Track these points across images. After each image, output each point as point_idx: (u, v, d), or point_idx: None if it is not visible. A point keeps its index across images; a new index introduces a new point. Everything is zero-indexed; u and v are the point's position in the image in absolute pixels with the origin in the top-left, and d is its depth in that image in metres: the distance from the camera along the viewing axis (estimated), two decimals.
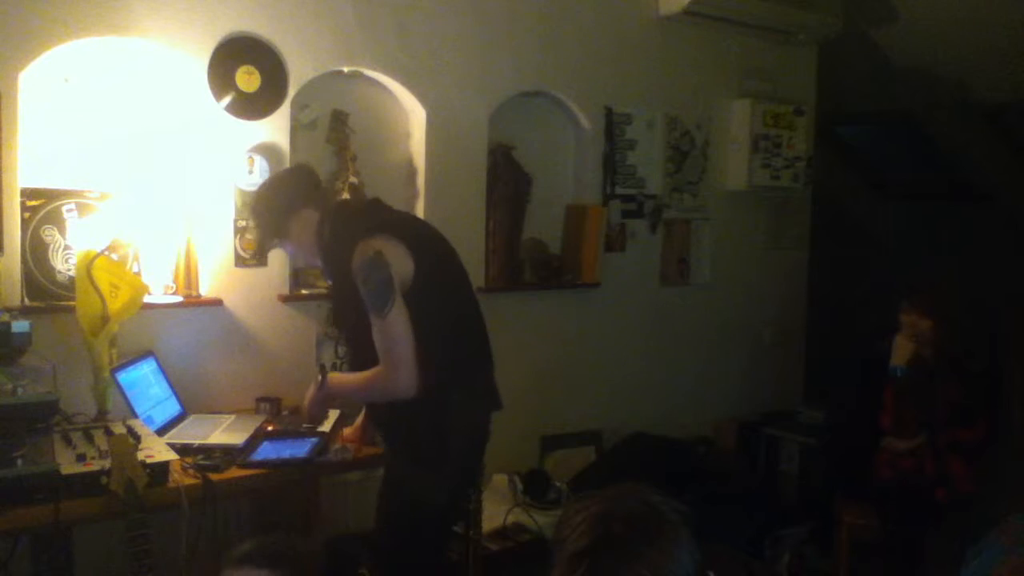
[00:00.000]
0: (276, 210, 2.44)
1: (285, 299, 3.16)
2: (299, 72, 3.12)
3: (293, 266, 3.17)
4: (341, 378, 2.53)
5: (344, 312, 2.49)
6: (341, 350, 3.23)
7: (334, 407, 2.80)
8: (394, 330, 2.24)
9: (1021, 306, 4.54)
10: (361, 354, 2.40)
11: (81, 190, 2.78)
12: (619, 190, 4.01)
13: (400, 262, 2.26)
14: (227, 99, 2.99)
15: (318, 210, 2.42)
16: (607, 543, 1.20)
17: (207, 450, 2.53)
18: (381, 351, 2.27)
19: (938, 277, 4.53)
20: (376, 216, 2.43)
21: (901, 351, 3.34)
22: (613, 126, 3.97)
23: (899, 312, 3.38)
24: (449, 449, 2.35)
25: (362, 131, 3.36)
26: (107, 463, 2.13)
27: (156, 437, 2.46)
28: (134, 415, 2.57)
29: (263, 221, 2.52)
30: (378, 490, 2.49)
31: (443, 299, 2.36)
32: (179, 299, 2.93)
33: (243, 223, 3.05)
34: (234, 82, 2.99)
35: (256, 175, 3.04)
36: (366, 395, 2.48)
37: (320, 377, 2.49)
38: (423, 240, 2.39)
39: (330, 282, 2.56)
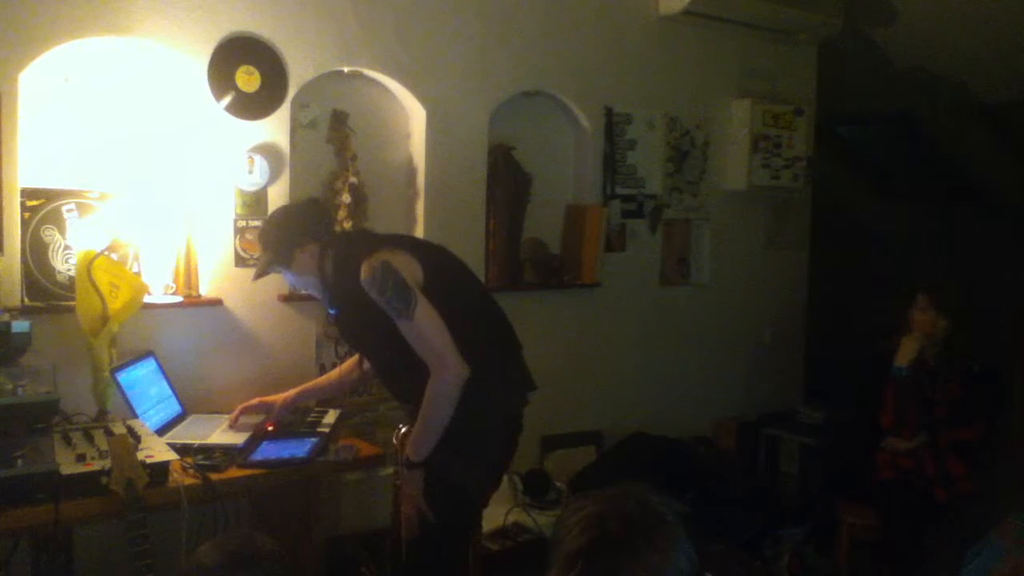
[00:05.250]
0: (282, 242, 2.49)
1: (285, 299, 3.16)
2: (299, 72, 3.13)
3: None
4: (414, 436, 2.32)
5: (364, 337, 2.50)
6: (341, 350, 3.23)
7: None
8: (426, 325, 2.25)
9: (1021, 306, 4.53)
10: (395, 379, 2.49)
11: (81, 190, 2.78)
12: (619, 190, 4.00)
13: (407, 267, 2.30)
14: (227, 99, 2.99)
15: (321, 245, 2.47)
16: (603, 543, 1.20)
17: (207, 450, 2.53)
18: (422, 351, 2.27)
19: (943, 277, 4.53)
20: (371, 238, 2.51)
21: (907, 351, 3.33)
22: (613, 126, 3.96)
23: (914, 310, 3.36)
24: (486, 436, 2.37)
25: (362, 131, 3.36)
26: (107, 463, 2.13)
27: (156, 437, 2.47)
28: (134, 415, 2.58)
29: (268, 249, 2.54)
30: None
31: (458, 292, 2.40)
32: (179, 299, 2.93)
33: (243, 223, 3.05)
34: (234, 82, 2.99)
35: (256, 175, 3.04)
36: (437, 416, 2.27)
37: (407, 459, 2.32)
38: (422, 246, 2.49)
39: (334, 313, 2.55)
